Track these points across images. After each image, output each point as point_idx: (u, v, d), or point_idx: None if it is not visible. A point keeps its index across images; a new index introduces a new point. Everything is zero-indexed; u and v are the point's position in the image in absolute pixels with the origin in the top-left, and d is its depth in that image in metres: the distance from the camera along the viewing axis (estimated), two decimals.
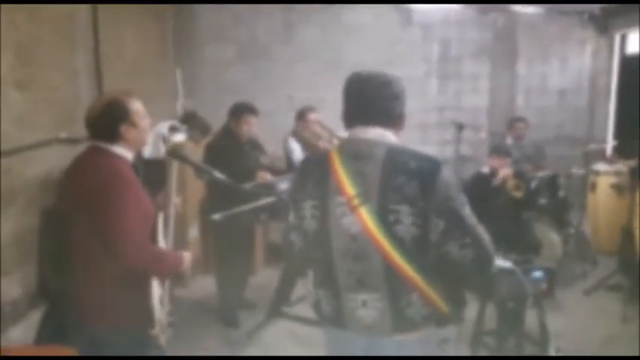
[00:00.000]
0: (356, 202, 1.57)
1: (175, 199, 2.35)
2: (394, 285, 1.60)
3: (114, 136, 2.00)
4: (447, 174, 1.57)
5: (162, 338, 2.08)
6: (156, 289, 2.04)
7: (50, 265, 2.36)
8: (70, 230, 2.03)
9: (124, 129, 1.99)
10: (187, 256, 2.19)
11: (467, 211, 1.59)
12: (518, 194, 4.25)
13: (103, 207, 1.90)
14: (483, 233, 1.61)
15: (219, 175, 2.40)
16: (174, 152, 2.25)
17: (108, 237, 1.90)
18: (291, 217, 1.78)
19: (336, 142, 4.08)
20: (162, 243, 2.16)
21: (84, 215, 1.95)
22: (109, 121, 1.98)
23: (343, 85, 1.72)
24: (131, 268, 1.94)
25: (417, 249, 1.57)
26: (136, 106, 2.05)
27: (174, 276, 2.25)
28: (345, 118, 1.72)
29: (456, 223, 1.56)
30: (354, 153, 1.63)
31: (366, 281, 1.62)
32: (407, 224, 1.54)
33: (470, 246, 1.56)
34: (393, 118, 1.68)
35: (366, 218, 1.56)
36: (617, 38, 6.69)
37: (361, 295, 1.64)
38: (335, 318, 1.73)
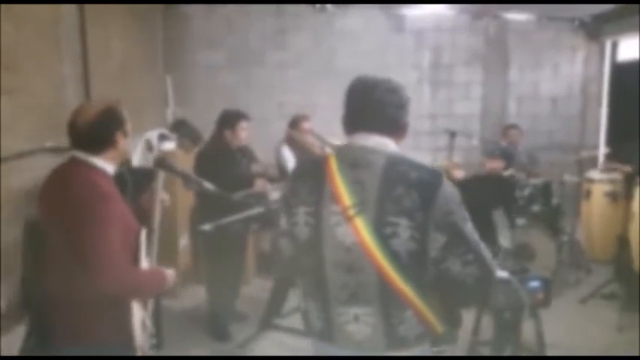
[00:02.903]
0: (352, 211, 1.50)
1: (164, 195, 2.26)
2: (388, 300, 1.53)
3: (107, 145, 1.91)
4: (449, 187, 1.52)
5: None
6: (137, 311, 1.94)
7: (33, 278, 2.27)
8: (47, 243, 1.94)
9: (117, 137, 1.92)
10: (171, 274, 2.07)
11: (469, 227, 1.52)
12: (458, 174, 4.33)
13: (81, 225, 1.80)
14: (485, 250, 1.54)
15: (208, 185, 2.33)
16: (162, 162, 2.18)
17: (86, 259, 1.79)
18: (283, 222, 1.71)
19: (328, 150, 4.04)
20: (144, 262, 2.05)
21: (62, 231, 1.85)
22: (104, 130, 1.90)
23: (346, 89, 1.65)
24: (110, 294, 1.83)
25: (413, 264, 1.51)
26: (126, 114, 1.99)
27: (156, 294, 2.14)
28: (346, 123, 1.65)
29: (457, 238, 1.49)
30: (352, 160, 1.56)
31: (360, 295, 1.55)
32: (404, 238, 1.48)
33: (473, 263, 1.50)
34: (396, 127, 1.62)
35: (362, 229, 1.50)
36: (608, 45, 6.71)
37: (353, 310, 1.57)
38: (324, 332, 1.66)
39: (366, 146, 1.58)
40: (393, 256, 1.49)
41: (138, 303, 1.96)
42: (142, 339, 1.96)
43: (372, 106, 1.59)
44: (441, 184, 1.50)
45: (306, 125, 4.41)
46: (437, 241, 1.49)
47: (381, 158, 1.54)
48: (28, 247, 2.37)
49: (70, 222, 1.82)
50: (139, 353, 1.94)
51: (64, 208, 1.84)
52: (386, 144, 1.59)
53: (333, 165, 1.57)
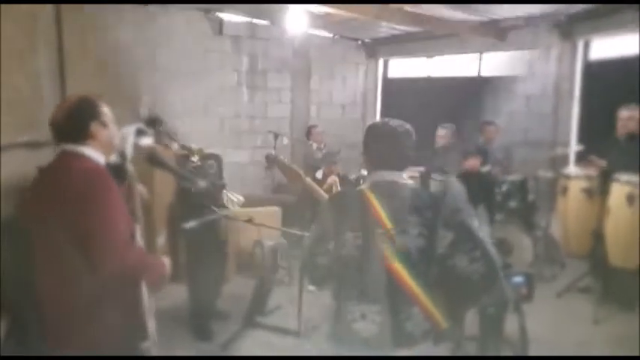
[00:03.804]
0: (392, 232, 1.64)
1: (141, 188, 2.23)
2: (396, 297, 1.58)
3: (84, 136, 1.88)
4: (457, 185, 1.59)
5: (154, 351, 1.99)
6: (146, 298, 1.91)
7: (10, 279, 2.18)
8: (33, 245, 1.87)
9: (94, 127, 1.89)
10: (168, 262, 2.06)
11: (476, 224, 1.58)
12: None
13: (84, 211, 1.74)
14: (492, 247, 1.59)
15: (202, 182, 2.29)
16: (154, 158, 2.11)
17: (92, 242, 1.74)
18: (320, 242, 1.82)
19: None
20: None
21: (57, 226, 1.78)
22: (78, 118, 1.88)
23: (370, 129, 1.91)
24: (123, 274, 1.80)
25: (421, 261, 1.56)
26: (105, 108, 1.97)
27: (158, 285, 2.09)
28: (373, 161, 1.86)
29: (464, 235, 1.55)
30: (387, 193, 1.75)
31: (368, 292, 1.60)
32: (413, 235, 1.55)
33: (480, 260, 1.54)
34: (409, 163, 1.85)
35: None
36: (581, 44, 6.83)
37: (360, 307, 1.62)
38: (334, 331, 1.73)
39: (394, 181, 1.79)
40: (402, 252, 1.55)
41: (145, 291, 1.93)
42: (152, 326, 1.96)
43: (398, 150, 1.83)
44: (450, 183, 1.55)
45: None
46: (445, 238, 1.55)
47: (407, 190, 1.76)
48: (5, 245, 2.28)
49: (71, 211, 1.76)
50: (151, 340, 1.95)
51: (61, 201, 1.78)
52: (405, 178, 1.82)
53: (371, 196, 1.74)
